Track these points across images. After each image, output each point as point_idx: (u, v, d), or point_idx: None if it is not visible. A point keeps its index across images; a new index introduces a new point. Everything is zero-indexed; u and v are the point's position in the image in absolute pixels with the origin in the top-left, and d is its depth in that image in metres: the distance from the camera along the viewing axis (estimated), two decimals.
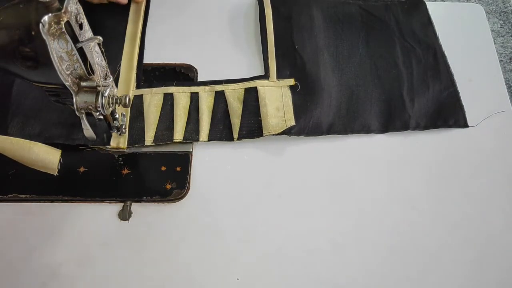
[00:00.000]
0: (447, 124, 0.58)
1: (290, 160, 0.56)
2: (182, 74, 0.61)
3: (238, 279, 0.49)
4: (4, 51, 0.39)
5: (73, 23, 0.39)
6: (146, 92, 0.58)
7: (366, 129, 0.57)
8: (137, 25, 0.63)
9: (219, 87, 0.59)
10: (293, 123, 0.55)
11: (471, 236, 0.52)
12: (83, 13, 0.41)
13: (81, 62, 0.42)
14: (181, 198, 0.53)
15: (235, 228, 0.52)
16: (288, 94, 0.58)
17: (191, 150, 0.56)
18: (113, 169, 0.54)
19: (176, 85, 0.58)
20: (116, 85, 0.56)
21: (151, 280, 0.49)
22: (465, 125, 0.58)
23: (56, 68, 0.39)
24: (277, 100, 0.57)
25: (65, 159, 0.54)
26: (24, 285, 0.48)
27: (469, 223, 0.53)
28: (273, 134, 0.55)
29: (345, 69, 0.61)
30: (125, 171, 0.54)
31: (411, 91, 0.60)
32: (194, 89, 0.58)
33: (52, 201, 0.52)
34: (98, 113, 0.46)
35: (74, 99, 0.43)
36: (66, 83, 0.41)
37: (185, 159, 0.55)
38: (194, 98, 0.58)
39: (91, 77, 0.44)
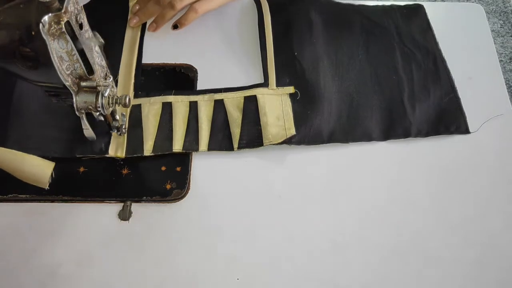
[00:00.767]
0: (448, 130, 0.58)
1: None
2: (182, 74, 0.61)
3: (238, 279, 0.49)
4: (4, 51, 0.39)
5: (73, 23, 0.39)
6: (144, 101, 0.57)
7: (367, 137, 0.57)
8: (136, 31, 0.63)
9: (218, 96, 0.58)
10: (293, 132, 0.55)
11: (474, 239, 0.52)
12: (83, 13, 0.41)
13: (81, 62, 0.42)
14: (181, 198, 0.53)
15: (235, 228, 0.52)
16: (288, 102, 0.58)
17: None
18: (113, 169, 0.54)
19: (175, 93, 0.57)
20: None
21: (151, 280, 0.49)
22: (466, 131, 0.58)
23: (56, 68, 0.39)
24: (277, 108, 0.57)
25: (65, 159, 0.54)
26: (24, 285, 0.48)
27: (471, 225, 0.52)
28: (274, 144, 0.54)
29: (345, 76, 0.61)
30: (125, 171, 0.54)
31: (412, 97, 0.59)
32: (193, 98, 0.58)
33: (52, 201, 0.52)
34: (98, 113, 0.46)
35: (74, 99, 0.43)
36: (66, 83, 0.41)
37: (185, 159, 0.55)
38: (193, 107, 0.57)
39: (91, 77, 0.44)
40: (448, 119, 0.58)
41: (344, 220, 0.52)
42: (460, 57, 0.65)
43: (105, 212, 0.52)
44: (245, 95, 0.58)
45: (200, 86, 0.60)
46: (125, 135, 0.55)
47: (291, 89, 0.59)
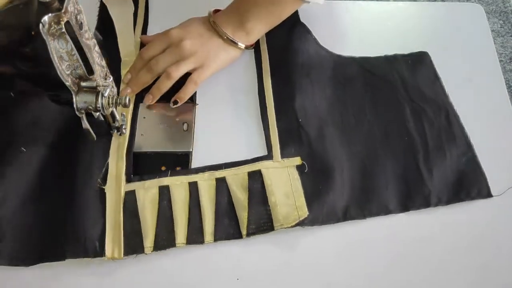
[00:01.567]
0: (470, 196, 0.54)
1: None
2: (182, 76, 0.61)
3: (238, 279, 0.49)
4: (4, 51, 0.39)
5: (73, 23, 0.39)
6: (138, 186, 0.52)
7: (384, 210, 0.53)
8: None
9: (219, 173, 0.53)
10: (305, 210, 0.51)
11: None
12: (83, 13, 0.41)
13: (81, 62, 0.42)
14: None
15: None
16: (296, 176, 0.53)
17: (191, 150, 0.56)
18: None
19: (171, 174, 0.53)
20: (105, 180, 0.52)
21: (150, 280, 0.49)
22: (488, 195, 0.54)
23: (56, 68, 0.39)
24: (285, 184, 0.52)
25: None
26: (24, 286, 0.48)
27: None
28: (285, 227, 0.50)
29: (353, 139, 0.57)
30: None
31: (428, 161, 0.55)
32: (192, 177, 0.53)
33: None
34: (98, 113, 0.46)
35: (74, 99, 0.43)
36: (66, 83, 0.41)
37: (185, 159, 0.55)
38: (193, 191, 0.52)
39: (91, 77, 0.44)
40: (468, 182, 0.54)
41: None
42: (460, 57, 0.65)
43: None
44: (249, 170, 0.53)
45: (200, 87, 0.60)
46: (121, 232, 0.49)
47: (297, 161, 0.54)
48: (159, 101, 0.59)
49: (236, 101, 0.59)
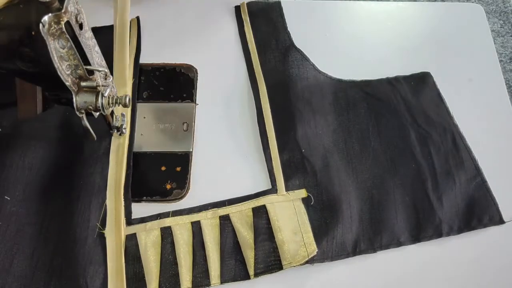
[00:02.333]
0: (481, 223, 0.52)
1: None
2: (182, 74, 0.61)
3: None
4: (4, 51, 0.39)
5: (73, 23, 0.39)
6: (139, 229, 0.50)
7: (395, 243, 0.51)
8: (120, 170, 0.53)
9: (222, 211, 0.51)
10: (314, 247, 0.49)
11: None
12: (83, 13, 0.41)
13: (81, 62, 0.42)
14: (181, 198, 0.53)
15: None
16: (302, 209, 0.52)
17: (191, 150, 0.56)
18: None
19: (173, 214, 0.51)
20: (104, 224, 0.50)
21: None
22: (500, 221, 0.53)
23: (56, 68, 0.39)
24: (291, 220, 0.51)
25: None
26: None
27: None
28: (294, 266, 0.48)
29: (359, 168, 0.55)
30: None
31: (437, 188, 0.54)
32: (195, 217, 0.51)
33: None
34: (98, 113, 0.45)
35: (74, 99, 0.43)
36: (66, 83, 0.41)
37: (185, 159, 0.55)
38: (197, 231, 0.50)
39: (91, 77, 0.44)
40: (479, 209, 0.53)
41: None
42: (460, 57, 0.65)
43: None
44: (253, 206, 0.51)
45: (200, 87, 0.60)
46: (123, 280, 0.47)
47: (303, 193, 0.53)
48: (158, 101, 0.59)
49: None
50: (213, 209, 0.51)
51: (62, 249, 0.48)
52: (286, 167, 0.54)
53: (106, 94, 0.44)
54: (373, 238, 0.51)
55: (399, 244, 0.51)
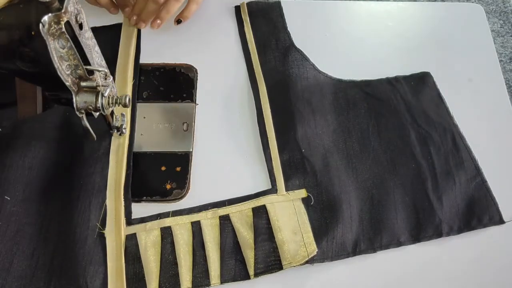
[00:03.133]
0: (481, 223, 0.52)
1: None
2: (182, 74, 0.61)
3: None
4: (4, 51, 0.39)
5: (73, 23, 0.39)
6: (139, 229, 0.50)
7: (395, 242, 0.51)
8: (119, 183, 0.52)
9: (222, 211, 0.51)
10: (314, 247, 0.49)
11: None
12: (83, 13, 0.41)
13: (81, 62, 0.42)
14: (181, 198, 0.53)
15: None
16: (302, 209, 0.51)
17: (191, 150, 0.56)
18: None
19: (173, 214, 0.51)
20: (104, 224, 0.50)
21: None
22: (500, 221, 0.53)
23: (56, 68, 0.39)
24: (291, 220, 0.51)
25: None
26: None
27: None
28: (294, 266, 0.48)
29: (359, 168, 0.55)
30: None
31: (437, 188, 0.54)
32: (195, 217, 0.51)
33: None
34: (98, 113, 0.46)
35: (74, 99, 0.43)
36: (66, 83, 0.41)
37: (185, 159, 0.55)
38: (196, 231, 0.50)
39: (91, 77, 0.44)
40: (479, 209, 0.53)
41: None
42: (460, 57, 0.65)
43: None
44: (253, 206, 0.51)
45: (200, 87, 0.60)
46: (123, 280, 0.47)
47: (303, 193, 0.53)
48: (158, 101, 0.59)
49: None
50: (213, 209, 0.51)
51: (62, 249, 0.48)
52: (286, 167, 0.54)
53: (106, 94, 0.44)
54: (373, 238, 0.51)
55: (399, 244, 0.51)
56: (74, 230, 0.49)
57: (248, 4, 0.66)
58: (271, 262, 0.49)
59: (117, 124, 0.52)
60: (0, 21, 0.38)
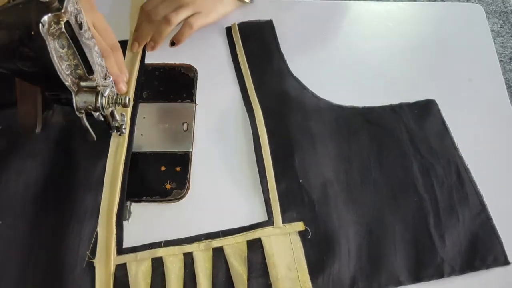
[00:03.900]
0: (485, 264, 0.49)
1: None
2: (182, 74, 0.61)
3: None
4: (4, 51, 0.39)
5: (73, 23, 0.39)
6: (130, 259, 0.48)
7: (394, 282, 0.48)
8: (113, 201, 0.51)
9: (216, 243, 0.49)
10: (309, 286, 0.47)
11: None
12: (83, 13, 0.41)
13: (81, 62, 0.42)
14: (181, 198, 0.53)
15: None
16: (298, 244, 0.49)
17: (191, 150, 0.56)
18: None
19: (165, 245, 0.49)
20: (94, 252, 0.48)
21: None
22: (505, 262, 0.50)
23: (56, 68, 0.39)
24: (287, 255, 0.49)
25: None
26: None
27: None
28: None
29: (359, 200, 0.53)
30: None
31: (439, 225, 0.51)
32: (187, 248, 0.49)
33: None
34: (97, 113, 0.46)
35: (73, 99, 0.43)
36: (66, 83, 0.41)
37: (185, 159, 0.55)
38: (188, 262, 0.48)
39: (91, 77, 0.44)
40: (483, 249, 0.50)
41: None
42: (460, 58, 0.65)
43: None
44: (248, 238, 0.50)
45: (200, 86, 0.60)
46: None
47: (300, 226, 0.50)
48: (158, 101, 0.59)
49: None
50: (206, 241, 0.49)
51: (50, 277, 0.47)
52: (283, 198, 0.52)
53: (106, 94, 0.44)
54: (371, 276, 0.49)
55: (398, 283, 0.48)
56: (63, 257, 0.48)
57: (239, 25, 0.65)
58: None
59: (117, 124, 0.52)
60: (0, 21, 0.38)
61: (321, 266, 0.49)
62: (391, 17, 0.69)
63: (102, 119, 0.48)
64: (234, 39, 0.64)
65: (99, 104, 0.44)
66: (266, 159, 0.54)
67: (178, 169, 0.54)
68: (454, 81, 0.62)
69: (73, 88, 0.43)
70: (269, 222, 0.51)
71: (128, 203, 0.52)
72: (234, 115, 0.59)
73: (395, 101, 0.60)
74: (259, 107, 0.58)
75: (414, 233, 0.51)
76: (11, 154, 0.53)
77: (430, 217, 0.52)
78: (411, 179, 0.54)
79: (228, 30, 0.65)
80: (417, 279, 0.49)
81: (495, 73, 0.64)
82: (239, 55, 0.63)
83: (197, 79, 0.61)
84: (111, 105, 0.45)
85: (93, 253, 0.48)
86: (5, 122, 0.57)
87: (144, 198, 0.53)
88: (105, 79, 0.47)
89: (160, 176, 0.54)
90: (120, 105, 0.46)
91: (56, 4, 0.36)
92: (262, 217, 0.52)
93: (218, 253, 0.49)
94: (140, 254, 0.48)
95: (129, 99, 0.47)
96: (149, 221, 0.52)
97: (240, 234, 0.50)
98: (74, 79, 0.42)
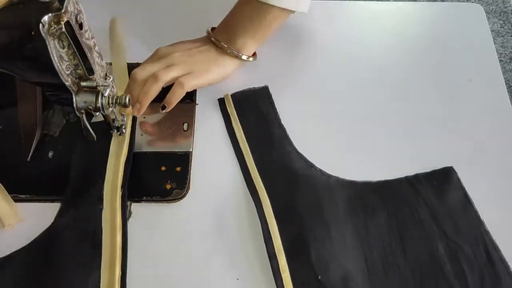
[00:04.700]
0: None
1: None
2: None
3: (238, 279, 0.49)
4: (4, 51, 0.39)
5: (73, 23, 0.39)
6: None
7: None
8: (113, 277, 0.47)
9: None
10: None
11: None
12: (83, 13, 0.41)
13: (81, 62, 0.42)
14: (181, 198, 0.53)
15: (235, 228, 0.51)
16: None
17: (191, 150, 0.56)
18: None
19: None
20: None
21: (150, 280, 0.49)
22: None
23: (56, 68, 0.39)
24: None
25: (66, 159, 0.54)
26: None
27: None
28: None
29: None
30: None
31: None
32: None
33: (52, 201, 0.52)
34: (98, 113, 0.46)
35: (74, 99, 0.43)
36: (66, 83, 0.41)
37: (185, 159, 0.55)
38: None
39: (91, 77, 0.44)
40: None
41: None
42: (460, 58, 0.65)
43: None
44: None
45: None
46: None
47: None
48: (158, 101, 0.59)
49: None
50: None
51: None
52: None
53: (106, 94, 0.44)
54: None
55: None
56: None
57: (232, 95, 0.60)
58: None
59: (117, 124, 0.52)
60: (0, 21, 0.38)
61: None
62: (391, 17, 0.69)
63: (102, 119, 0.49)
64: (228, 110, 0.59)
65: (99, 104, 0.44)
66: (279, 256, 0.48)
67: (178, 169, 0.54)
68: (454, 81, 0.62)
69: (73, 88, 0.43)
70: None
71: (128, 203, 0.52)
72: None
73: (397, 107, 0.60)
74: (264, 190, 0.52)
75: None
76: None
77: None
78: (438, 264, 0.49)
79: (221, 102, 0.60)
80: None
81: (495, 73, 0.64)
82: (235, 128, 0.57)
83: None
84: (111, 105, 0.45)
85: None
86: (5, 122, 0.57)
87: (144, 198, 0.53)
88: (105, 79, 0.47)
89: (160, 176, 0.54)
90: (120, 105, 0.47)
91: (56, 4, 0.36)
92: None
93: None
94: None
95: (129, 99, 0.47)
96: (149, 221, 0.52)
97: None
98: (74, 79, 0.43)
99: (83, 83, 0.43)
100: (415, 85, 0.62)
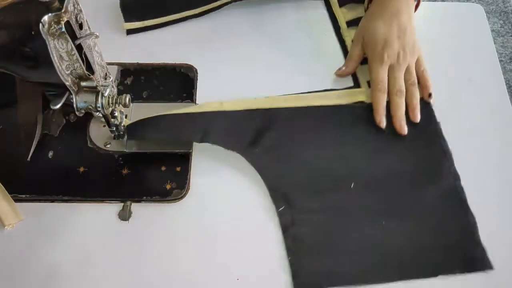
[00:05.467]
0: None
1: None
2: (182, 74, 0.61)
3: (238, 279, 0.49)
4: (4, 51, 0.39)
5: (73, 22, 0.39)
6: None
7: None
8: None
9: None
10: None
11: None
12: (83, 13, 0.41)
13: (81, 62, 0.42)
14: (181, 198, 0.53)
15: (235, 228, 0.51)
16: None
17: (191, 150, 0.56)
18: (113, 169, 0.54)
19: None
20: None
21: (151, 280, 0.49)
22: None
23: (56, 68, 0.39)
24: None
25: (66, 159, 0.54)
26: (24, 285, 0.48)
27: None
28: None
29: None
30: (125, 171, 0.54)
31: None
32: None
33: (52, 201, 0.52)
34: (97, 113, 0.46)
35: (74, 99, 0.43)
36: (66, 83, 0.41)
37: (185, 159, 0.55)
38: None
39: (91, 77, 0.44)
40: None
41: None
42: (460, 57, 0.65)
43: (105, 212, 0.52)
44: None
45: (200, 87, 0.60)
46: None
47: None
48: (158, 100, 0.59)
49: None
50: None
51: None
52: None
53: (106, 94, 0.44)
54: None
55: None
56: None
57: None
58: None
59: (117, 122, 0.52)
60: (0, 21, 0.38)
61: None
62: None
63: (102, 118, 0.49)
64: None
65: (99, 104, 0.44)
66: None
67: (178, 169, 0.54)
68: (454, 81, 0.62)
69: (74, 88, 0.43)
70: None
71: (128, 203, 0.52)
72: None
73: None
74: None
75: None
76: None
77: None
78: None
79: None
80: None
81: (495, 73, 0.64)
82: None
83: (197, 79, 0.61)
84: (111, 105, 0.45)
85: None
86: (5, 122, 0.57)
87: (144, 198, 0.53)
88: (105, 79, 0.47)
89: (160, 176, 0.54)
90: (120, 105, 0.47)
91: (56, 4, 0.37)
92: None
93: None
94: None
95: (129, 99, 0.47)
96: (149, 221, 0.52)
97: None
98: (74, 79, 0.43)
99: (83, 83, 0.43)
100: None
